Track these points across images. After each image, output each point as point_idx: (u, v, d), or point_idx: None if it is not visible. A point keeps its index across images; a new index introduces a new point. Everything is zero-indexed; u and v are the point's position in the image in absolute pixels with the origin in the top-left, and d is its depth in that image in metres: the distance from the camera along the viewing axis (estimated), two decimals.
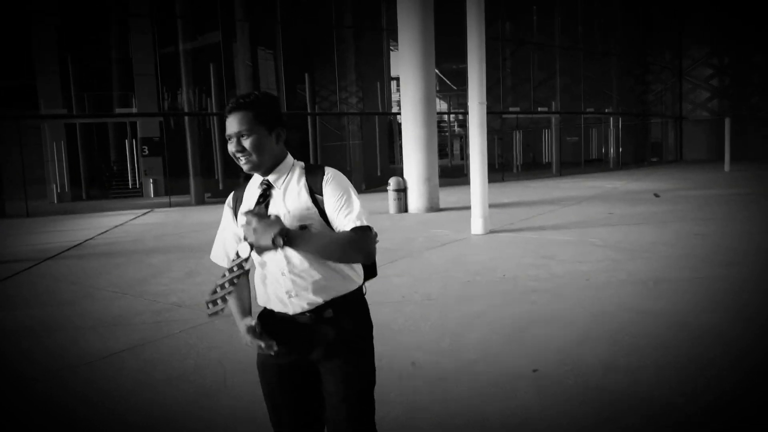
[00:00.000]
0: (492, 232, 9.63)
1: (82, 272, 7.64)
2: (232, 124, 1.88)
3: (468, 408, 3.30)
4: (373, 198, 15.39)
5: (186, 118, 18.51)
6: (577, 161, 26.18)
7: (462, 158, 26.87)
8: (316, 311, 1.90)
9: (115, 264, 8.10)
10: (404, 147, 13.60)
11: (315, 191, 1.90)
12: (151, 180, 19.30)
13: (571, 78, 26.02)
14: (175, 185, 18.08)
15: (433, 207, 13.10)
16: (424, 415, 3.23)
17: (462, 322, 4.85)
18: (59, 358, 4.37)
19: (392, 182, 13.17)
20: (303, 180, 1.93)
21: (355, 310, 1.98)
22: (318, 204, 1.88)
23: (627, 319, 4.80)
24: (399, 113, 15.42)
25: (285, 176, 1.95)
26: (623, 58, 28.86)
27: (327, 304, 1.90)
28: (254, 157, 1.89)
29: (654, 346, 4.17)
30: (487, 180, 9.83)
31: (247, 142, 1.87)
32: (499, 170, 22.72)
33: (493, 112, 22.51)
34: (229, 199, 2.07)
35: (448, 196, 14.64)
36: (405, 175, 13.31)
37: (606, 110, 28.25)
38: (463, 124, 26.87)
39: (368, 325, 2.01)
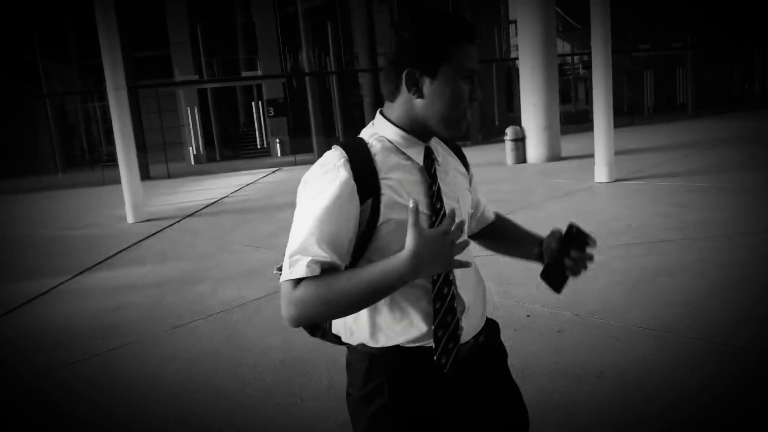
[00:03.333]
0: (618, 180, 9.21)
1: (219, 228, 8.27)
2: (476, 57, 1.30)
3: (584, 359, 3.29)
4: (490, 149, 15.17)
5: (307, 78, 19.08)
6: (717, 100, 24.05)
7: (587, 102, 25.58)
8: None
9: (248, 219, 8.68)
10: (522, 93, 13.18)
11: (467, 169, 1.50)
12: (278, 140, 20.21)
13: (707, 9, 23.69)
14: (299, 144, 18.84)
15: (554, 156, 12.69)
16: (538, 365, 3.26)
17: (583, 274, 4.75)
18: (201, 306, 4.83)
19: (509, 131, 12.88)
20: (447, 149, 1.46)
21: None
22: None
23: (762, 269, 4.49)
24: (517, 58, 14.91)
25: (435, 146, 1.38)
26: None
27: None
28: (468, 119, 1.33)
29: None
30: (612, 125, 9.36)
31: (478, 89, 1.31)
32: (628, 114, 21.44)
33: (620, 51, 21.10)
34: (348, 179, 1.22)
35: (571, 144, 14.09)
36: (523, 123, 12.95)
37: (749, 41, 25.52)
38: (589, 66, 25.48)
39: None
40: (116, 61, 9.29)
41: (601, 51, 9.24)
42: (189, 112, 19.76)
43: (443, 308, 1.30)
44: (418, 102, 1.28)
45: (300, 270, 1.16)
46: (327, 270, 1.17)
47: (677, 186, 8.32)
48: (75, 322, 4.72)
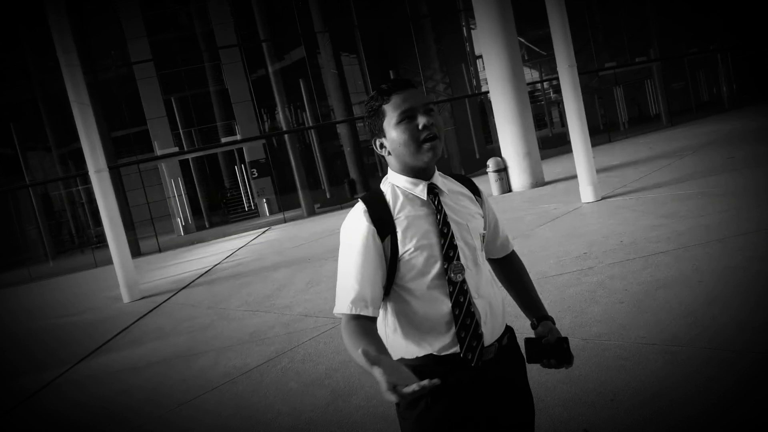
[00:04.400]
0: (604, 198, 9.30)
1: (215, 296, 8.22)
2: (413, 97, 1.55)
3: (596, 384, 3.26)
4: (475, 182, 15.30)
5: (286, 136, 19.30)
6: (688, 107, 24.51)
7: (563, 125, 25.99)
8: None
9: (243, 284, 8.63)
10: (498, 124, 13.37)
11: (477, 195, 1.75)
12: (264, 200, 20.29)
13: (667, 20, 24.38)
14: (286, 201, 18.92)
15: (538, 182, 12.81)
16: (551, 396, 3.23)
17: (582, 297, 4.76)
18: (205, 379, 4.75)
19: (491, 163, 13.03)
20: (455, 182, 1.72)
21: None
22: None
23: (759, 271, 4.51)
24: (488, 92, 15.19)
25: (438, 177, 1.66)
26: None
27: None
28: (439, 143, 1.56)
29: None
30: (590, 144, 9.50)
31: (437, 119, 1.56)
32: (604, 131, 21.77)
33: (587, 72, 21.62)
34: (368, 226, 1.54)
35: (553, 167, 14.25)
36: (503, 154, 13.11)
37: (711, 47, 26.20)
38: (559, 90, 25.96)
39: None
40: (95, 144, 9.37)
41: (568, 74, 9.45)
42: (173, 183, 19.84)
43: (462, 313, 1.55)
44: (392, 157, 1.61)
45: (348, 309, 1.53)
46: (358, 316, 1.53)
47: (663, 196, 8.40)
48: (79, 413, 4.63)
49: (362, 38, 20.93)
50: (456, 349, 1.55)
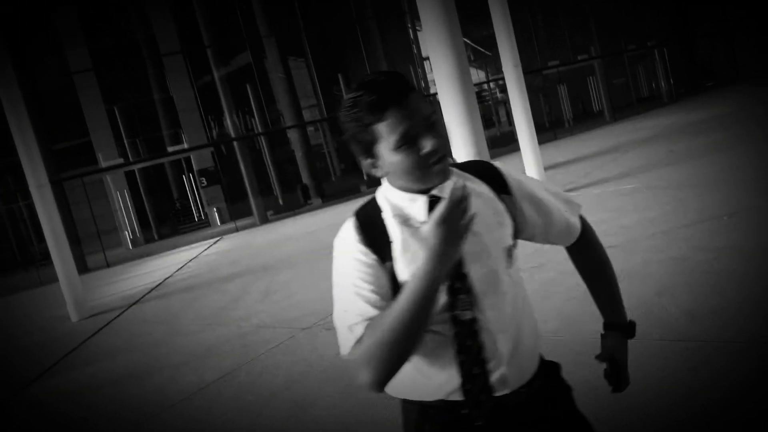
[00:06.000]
0: None
1: (167, 311, 8.02)
2: (413, 113, 1.23)
3: None
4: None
5: (235, 143, 19.02)
6: (629, 102, 25.28)
7: (510, 124, 26.44)
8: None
9: (196, 297, 8.45)
10: (447, 125, 13.42)
11: (504, 190, 1.39)
12: (215, 209, 19.95)
13: (605, 18, 25.11)
14: (237, 210, 18.63)
15: None
16: None
17: (536, 294, 4.82)
18: (162, 397, 4.63)
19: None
20: (471, 177, 1.41)
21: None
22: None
23: (704, 260, 4.67)
24: (437, 93, 15.31)
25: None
26: None
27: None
28: (448, 160, 1.31)
29: (736, 283, 4.04)
30: (536, 142, 9.69)
31: (441, 131, 1.27)
32: (550, 129, 22.22)
33: (531, 71, 22.03)
34: (360, 247, 1.29)
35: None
36: (453, 154, 13.22)
37: (648, 43, 27.11)
38: (505, 89, 26.39)
39: None
40: (34, 158, 9.03)
41: (513, 73, 9.62)
42: (119, 196, 19.31)
43: (468, 361, 1.28)
44: (389, 176, 1.31)
45: (358, 331, 1.21)
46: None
47: (609, 191, 8.62)
48: None
49: (309, 41, 20.83)
50: (450, 394, 1.30)
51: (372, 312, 1.20)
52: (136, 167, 20.21)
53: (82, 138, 19.24)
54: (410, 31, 23.65)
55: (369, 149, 1.26)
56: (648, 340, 3.50)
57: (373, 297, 1.22)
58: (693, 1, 28.97)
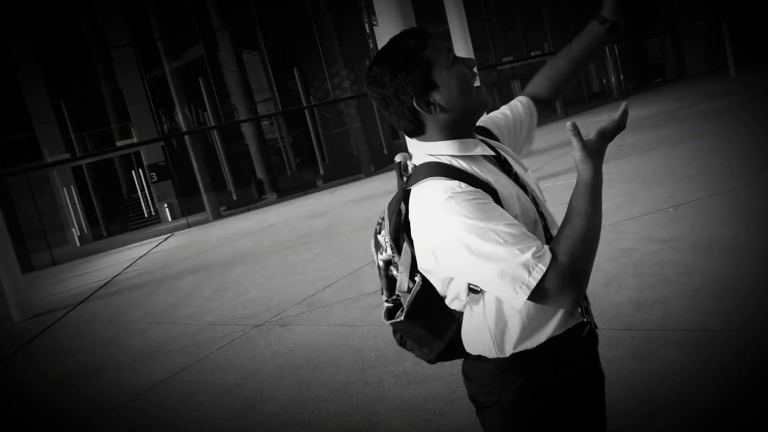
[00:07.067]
0: None
1: (116, 309, 7.80)
2: (443, 42, 1.37)
3: None
4: (384, 178, 15.39)
5: (186, 137, 18.62)
6: (581, 98, 25.80)
7: None
8: None
9: (145, 294, 8.24)
10: None
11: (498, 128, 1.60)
12: (166, 204, 19.53)
13: (558, 15, 25.54)
14: (189, 205, 18.27)
15: None
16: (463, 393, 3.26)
17: None
18: (110, 397, 4.49)
19: (398, 158, 13.11)
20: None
21: None
22: None
23: (651, 251, 4.78)
24: None
25: None
26: None
27: None
28: None
29: (681, 274, 4.15)
30: None
31: None
32: None
33: (486, 67, 22.27)
34: (475, 190, 1.22)
35: None
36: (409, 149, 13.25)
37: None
38: None
39: None
40: None
41: None
42: (66, 192, 18.70)
43: None
44: (442, 115, 1.30)
45: (545, 261, 1.14)
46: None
47: (560, 185, 8.76)
48: None
49: (263, 35, 20.54)
50: (573, 319, 1.33)
51: (537, 244, 1.15)
52: (83, 162, 19.61)
53: (26, 132, 18.56)
54: (366, 26, 23.58)
55: (423, 81, 1.28)
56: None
57: (522, 225, 1.19)
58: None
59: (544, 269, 1.13)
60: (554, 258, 1.15)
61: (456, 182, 1.22)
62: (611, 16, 1.56)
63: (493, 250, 1.15)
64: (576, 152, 1.24)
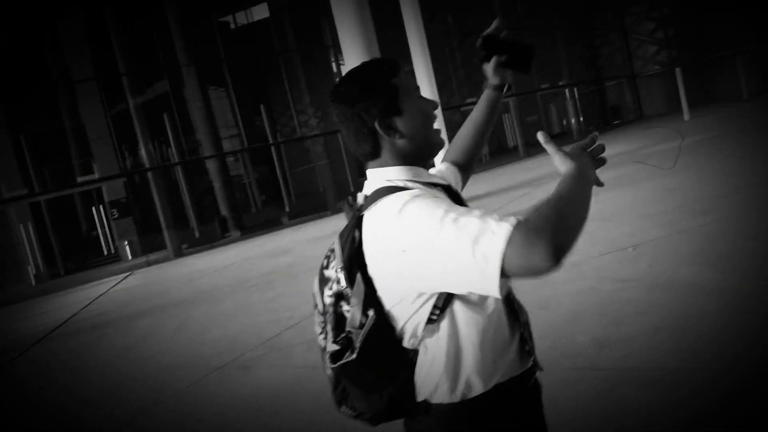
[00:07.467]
0: None
1: (71, 352, 7.50)
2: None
3: None
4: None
5: (149, 173, 18.37)
6: None
7: None
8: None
9: (102, 336, 7.98)
10: None
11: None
12: (126, 242, 19.11)
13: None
14: (150, 243, 17.91)
15: None
16: None
17: None
18: None
19: (360, 196, 13.15)
20: None
21: None
22: None
23: (611, 290, 4.83)
24: None
25: None
26: (568, 27, 29.23)
27: None
28: None
29: (641, 312, 4.20)
30: None
31: None
32: None
33: (450, 108, 22.67)
34: (437, 191, 1.36)
35: None
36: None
37: (560, 83, 28.56)
38: None
39: None
40: None
41: None
42: (23, 228, 18.17)
43: (520, 311, 1.45)
44: (401, 141, 1.34)
45: (511, 220, 1.10)
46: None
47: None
48: None
49: (230, 72, 20.59)
50: (518, 367, 1.37)
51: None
52: (42, 198, 19.15)
53: None
54: (333, 64, 23.86)
55: (389, 106, 1.32)
56: (558, 369, 3.55)
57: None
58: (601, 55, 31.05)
59: (512, 225, 1.08)
60: (521, 220, 1.10)
61: (416, 190, 1.25)
62: (497, 81, 1.66)
63: (466, 223, 1.10)
64: (554, 157, 1.30)
